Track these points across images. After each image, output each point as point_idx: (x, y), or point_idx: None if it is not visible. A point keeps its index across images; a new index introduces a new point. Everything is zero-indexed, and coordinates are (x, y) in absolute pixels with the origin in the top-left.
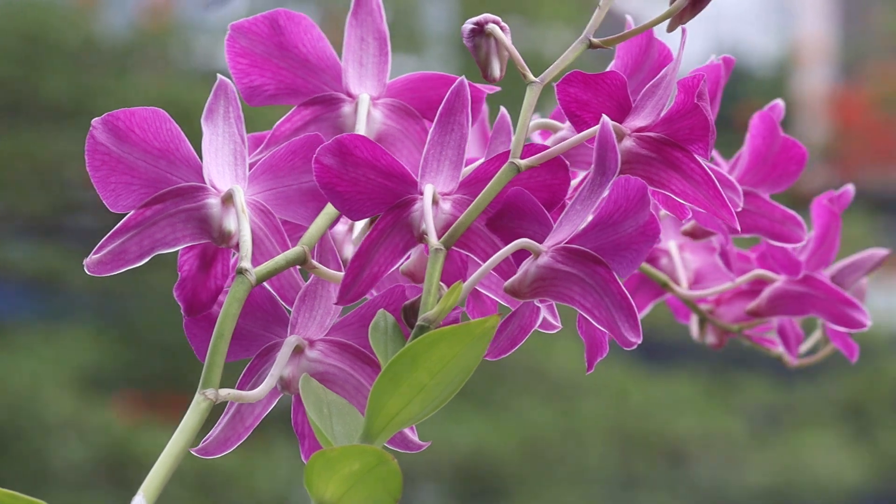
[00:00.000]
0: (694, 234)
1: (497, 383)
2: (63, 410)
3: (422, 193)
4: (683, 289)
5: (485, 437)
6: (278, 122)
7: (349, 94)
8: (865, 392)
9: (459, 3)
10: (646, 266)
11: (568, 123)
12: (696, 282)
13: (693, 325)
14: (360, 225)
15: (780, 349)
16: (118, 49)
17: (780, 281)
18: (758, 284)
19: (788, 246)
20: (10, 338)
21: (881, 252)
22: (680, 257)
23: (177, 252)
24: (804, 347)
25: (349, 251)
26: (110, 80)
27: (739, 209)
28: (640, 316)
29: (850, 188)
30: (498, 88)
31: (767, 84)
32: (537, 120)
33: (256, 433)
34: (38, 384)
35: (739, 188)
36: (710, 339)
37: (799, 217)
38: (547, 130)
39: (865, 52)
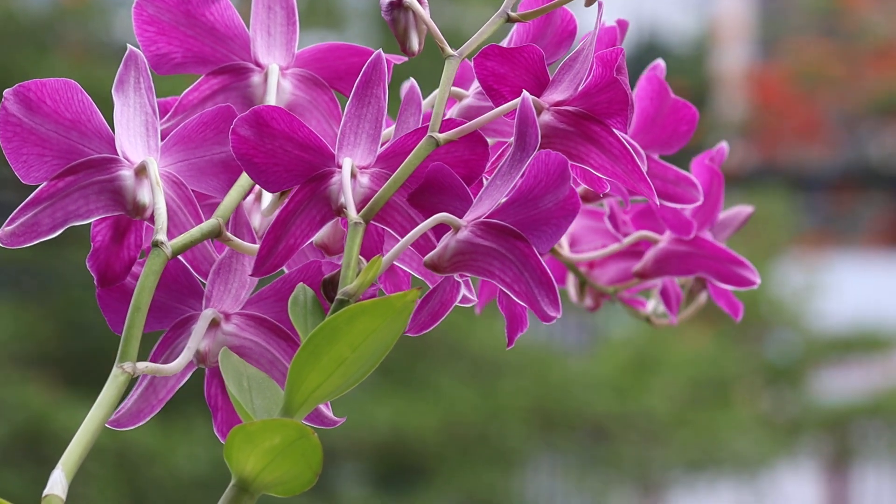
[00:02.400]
0: (586, 198)
1: (417, 362)
2: None
3: (339, 167)
4: (567, 252)
5: (405, 416)
6: (186, 91)
7: (258, 64)
8: None
9: None
10: None
11: (472, 89)
12: (572, 245)
13: (571, 288)
14: (269, 195)
15: (647, 310)
16: (38, 24)
17: (664, 241)
18: (635, 246)
19: (686, 206)
20: None
21: (747, 209)
22: None
23: (91, 224)
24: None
25: (257, 220)
26: (30, 57)
27: (644, 173)
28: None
29: (724, 145)
30: (405, 59)
31: (686, 61)
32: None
33: (176, 411)
34: None
35: (643, 153)
36: (588, 302)
37: (693, 178)
38: (452, 98)
39: (784, 29)
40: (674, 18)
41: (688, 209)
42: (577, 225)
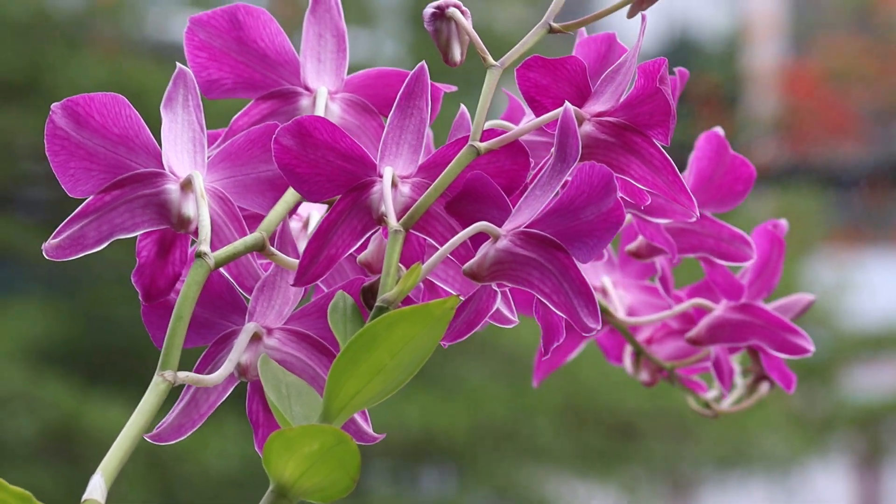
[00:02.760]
0: (639, 254)
1: (448, 360)
2: (12, 383)
3: (381, 176)
4: (622, 316)
5: (435, 414)
6: (236, 116)
7: (307, 89)
8: None
9: None
10: None
11: (522, 123)
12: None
13: (626, 360)
14: (315, 220)
15: (707, 396)
16: (70, 21)
17: (719, 309)
18: (691, 322)
19: (741, 264)
20: None
21: (808, 297)
22: (615, 293)
23: (137, 240)
24: (730, 399)
25: (303, 246)
26: (62, 54)
27: (695, 218)
28: (569, 357)
29: (784, 223)
30: (455, 88)
31: (718, 58)
32: (491, 121)
33: None
34: None
35: (693, 198)
36: (644, 376)
37: (747, 236)
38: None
39: (816, 26)
40: (706, 15)
41: (746, 277)
42: (636, 299)
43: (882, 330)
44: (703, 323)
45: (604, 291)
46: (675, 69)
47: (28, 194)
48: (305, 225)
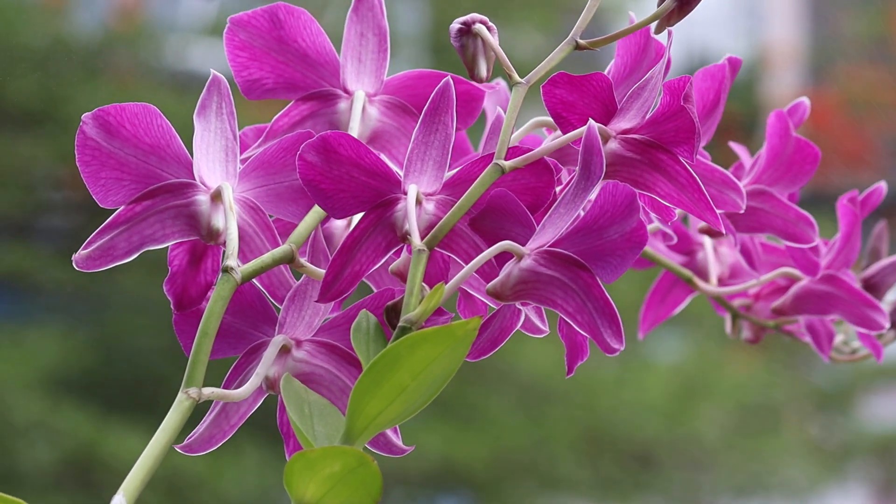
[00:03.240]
0: (710, 233)
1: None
2: (31, 412)
3: (405, 193)
4: (711, 285)
5: (454, 443)
6: (276, 117)
7: (346, 91)
8: None
9: (430, 5)
10: (668, 262)
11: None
12: (732, 276)
13: (727, 321)
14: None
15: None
16: (88, 50)
17: (805, 280)
18: (791, 280)
19: (804, 246)
20: None
21: None
22: (715, 252)
23: (152, 252)
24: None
25: None
26: (80, 83)
27: (742, 210)
28: (674, 311)
29: (882, 185)
30: (494, 87)
31: (737, 87)
32: (538, 118)
33: None
34: (5, 385)
35: (742, 189)
36: (746, 334)
37: (812, 218)
38: (549, 129)
39: (834, 56)
40: (724, 44)
41: (833, 249)
42: (737, 256)
43: None
44: (790, 293)
45: (704, 249)
46: (727, 58)
47: (46, 223)
48: (349, 224)
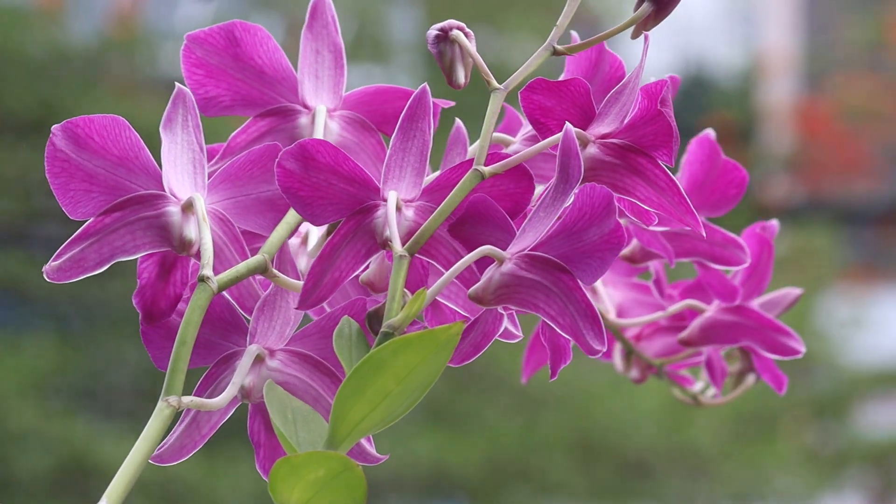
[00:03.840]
0: (633, 259)
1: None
2: (25, 419)
3: (384, 200)
4: (613, 317)
5: (447, 450)
6: (234, 133)
7: (305, 106)
8: None
9: (426, 12)
10: None
11: (520, 136)
12: (619, 316)
13: (616, 358)
14: (315, 237)
15: (695, 389)
16: (84, 58)
17: (711, 310)
18: (681, 319)
19: (735, 267)
20: None
21: (795, 291)
22: (605, 292)
23: (137, 267)
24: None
25: (303, 263)
26: (76, 91)
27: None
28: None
29: (775, 223)
30: (453, 103)
31: (732, 95)
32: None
33: (219, 445)
34: (0, 393)
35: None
36: (634, 373)
37: (740, 240)
38: (497, 144)
39: (830, 64)
40: (720, 52)
41: (737, 279)
42: (624, 297)
43: None
44: (696, 324)
45: (593, 290)
46: (667, 76)
47: (41, 230)
48: (304, 241)
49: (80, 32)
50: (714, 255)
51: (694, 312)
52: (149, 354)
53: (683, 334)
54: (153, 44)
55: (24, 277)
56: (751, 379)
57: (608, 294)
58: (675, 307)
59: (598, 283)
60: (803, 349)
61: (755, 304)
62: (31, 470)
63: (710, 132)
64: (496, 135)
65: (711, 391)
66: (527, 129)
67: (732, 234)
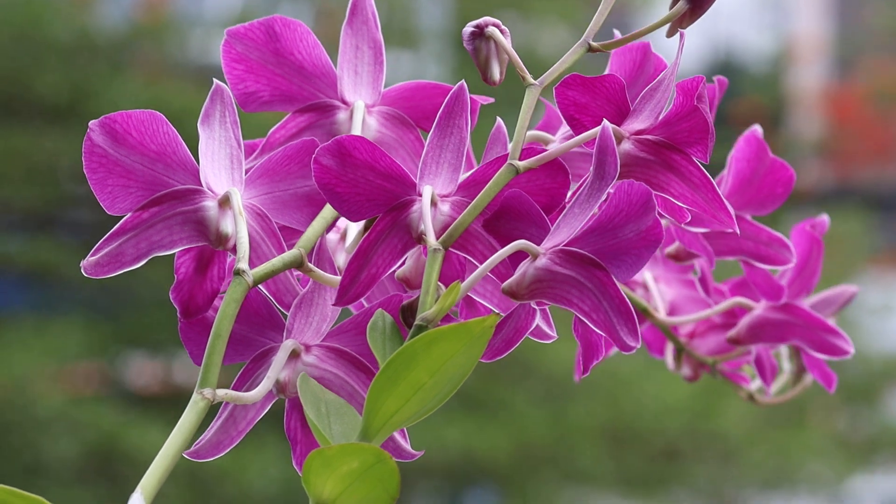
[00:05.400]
0: (678, 257)
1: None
2: (54, 404)
3: (420, 195)
4: (662, 315)
5: (476, 437)
6: (273, 129)
7: (344, 102)
8: None
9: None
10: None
11: (559, 134)
12: (671, 314)
13: (668, 357)
14: (353, 233)
15: (751, 387)
16: (113, 44)
17: (759, 308)
18: (733, 317)
19: (781, 267)
20: (2, 330)
21: (851, 289)
22: (656, 289)
23: (174, 262)
24: (774, 387)
25: (341, 259)
26: (105, 77)
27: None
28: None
29: (825, 217)
30: (492, 100)
31: (762, 81)
32: (529, 132)
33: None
34: (29, 377)
35: (731, 209)
36: (686, 371)
37: (786, 239)
38: (536, 142)
39: (860, 49)
40: (750, 38)
41: (786, 277)
42: (676, 294)
43: None
44: (744, 322)
45: (645, 287)
46: (715, 77)
47: (71, 216)
48: (343, 237)
49: (110, 18)
50: (759, 254)
51: (744, 310)
52: (186, 349)
53: (732, 333)
54: (182, 30)
55: (53, 263)
56: (808, 378)
57: (660, 291)
58: (722, 305)
59: (650, 281)
60: (852, 349)
61: (806, 302)
62: (59, 455)
63: (757, 129)
64: (535, 133)
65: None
66: (566, 128)
67: (778, 234)
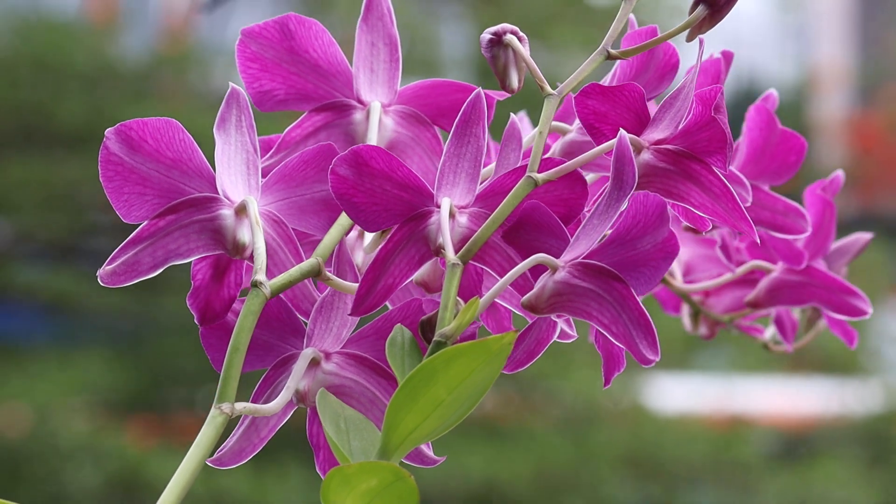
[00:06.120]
0: (694, 230)
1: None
2: (77, 435)
3: (438, 206)
4: (679, 282)
5: (498, 464)
6: (288, 128)
7: (360, 101)
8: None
9: (476, 28)
10: None
11: (576, 124)
12: (687, 274)
13: (685, 317)
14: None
15: (765, 337)
16: (135, 73)
17: (777, 271)
18: (750, 275)
19: (796, 237)
20: (25, 361)
21: (866, 236)
22: None
23: (191, 268)
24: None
25: (360, 257)
26: (127, 106)
27: (748, 204)
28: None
29: (839, 174)
30: (508, 94)
31: (785, 109)
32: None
33: (270, 456)
34: (52, 408)
35: (747, 183)
36: (703, 330)
37: (801, 208)
38: (555, 133)
39: (883, 77)
40: (772, 66)
41: (802, 239)
42: (691, 253)
43: None
44: (762, 285)
45: None
46: (721, 52)
47: (92, 245)
48: (361, 234)
49: (132, 47)
50: (776, 224)
51: (762, 272)
52: (207, 356)
53: (750, 296)
54: (205, 59)
55: (75, 293)
56: (822, 324)
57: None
58: (741, 269)
59: None
60: (870, 310)
61: (821, 262)
62: (82, 485)
63: (771, 95)
64: (555, 124)
65: (780, 337)
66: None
67: (793, 203)
